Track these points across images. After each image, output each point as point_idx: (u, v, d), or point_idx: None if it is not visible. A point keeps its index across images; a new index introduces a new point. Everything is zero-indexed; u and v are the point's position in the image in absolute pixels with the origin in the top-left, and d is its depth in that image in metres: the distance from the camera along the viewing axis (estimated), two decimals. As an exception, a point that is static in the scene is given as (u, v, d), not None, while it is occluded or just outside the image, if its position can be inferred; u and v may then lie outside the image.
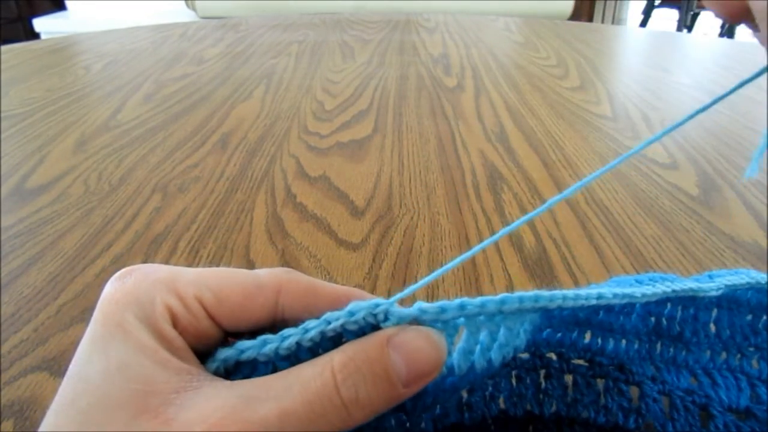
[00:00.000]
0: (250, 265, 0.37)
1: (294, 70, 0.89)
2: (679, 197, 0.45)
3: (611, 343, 0.23)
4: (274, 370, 0.17)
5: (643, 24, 3.07)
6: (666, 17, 3.30)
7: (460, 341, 0.18)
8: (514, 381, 0.23)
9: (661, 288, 0.20)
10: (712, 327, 0.24)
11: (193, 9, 2.23)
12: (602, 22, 3.27)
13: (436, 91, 0.77)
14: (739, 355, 0.24)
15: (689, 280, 0.22)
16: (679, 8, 2.94)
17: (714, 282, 0.22)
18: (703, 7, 2.90)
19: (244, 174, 0.50)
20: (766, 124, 0.62)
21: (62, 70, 0.90)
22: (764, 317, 0.24)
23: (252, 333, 0.19)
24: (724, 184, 0.48)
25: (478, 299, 0.17)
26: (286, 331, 0.18)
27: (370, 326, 0.17)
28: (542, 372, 0.23)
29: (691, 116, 0.19)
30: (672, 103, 0.72)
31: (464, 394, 0.22)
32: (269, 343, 0.17)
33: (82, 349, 0.17)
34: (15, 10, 2.67)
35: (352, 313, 0.17)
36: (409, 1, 2.11)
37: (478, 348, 0.18)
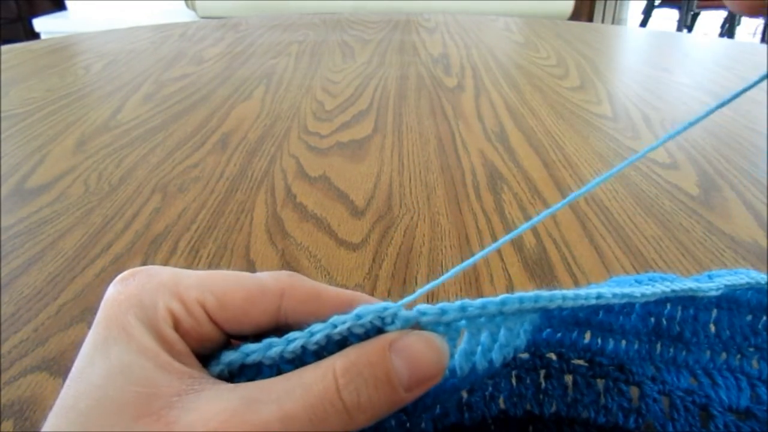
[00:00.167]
0: (250, 264, 0.37)
1: (294, 70, 0.89)
2: (680, 197, 0.45)
3: (611, 343, 0.23)
4: (278, 373, 0.17)
5: (643, 24, 3.07)
6: (666, 17, 3.31)
7: (462, 343, 0.18)
8: (514, 381, 0.23)
9: (660, 288, 0.20)
10: (712, 327, 0.24)
11: (193, 9, 2.23)
12: (602, 22, 3.26)
13: (436, 91, 0.77)
14: (739, 356, 0.24)
15: (689, 280, 0.22)
16: (679, 8, 2.94)
17: (714, 282, 0.22)
18: (703, 7, 2.90)
19: (244, 174, 0.50)
20: (767, 124, 0.62)
21: (62, 70, 0.90)
22: (764, 318, 0.24)
23: (255, 336, 0.19)
24: (725, 184, 0.48)
25: (479, 300, 0.17)
26: (291, 335, 0.17)
27: (375, 330, 0.17)
28: (542, 372, 0.23)
29: (697, 120, 0.18)
30: (672, 103, 0.72)
31: (464, 395, 0.22)
32: (274, 347, 0.17)
33: (84, 351, 0.17)
34: (15, 10, 2.67)
35: (359, 316, 0.17)
36: (409, 1, 2.12)
37: (479, 349, 0.18)
